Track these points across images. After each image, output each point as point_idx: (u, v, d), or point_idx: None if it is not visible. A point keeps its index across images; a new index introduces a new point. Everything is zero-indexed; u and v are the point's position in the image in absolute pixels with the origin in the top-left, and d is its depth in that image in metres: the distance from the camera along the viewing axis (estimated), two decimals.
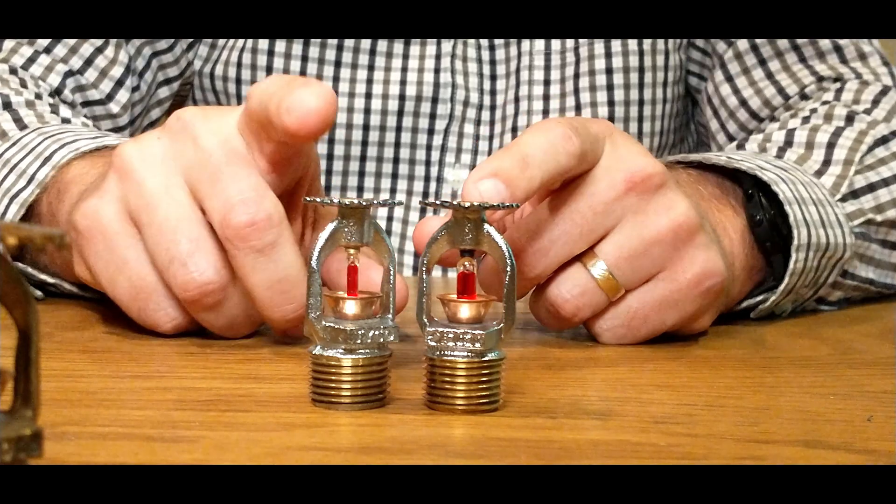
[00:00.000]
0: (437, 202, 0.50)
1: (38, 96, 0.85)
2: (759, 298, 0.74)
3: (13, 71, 0.87)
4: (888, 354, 0.65)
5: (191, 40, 0.98)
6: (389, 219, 0.98)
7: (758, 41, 0.96)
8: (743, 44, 0.97)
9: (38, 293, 0.73)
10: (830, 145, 0.83)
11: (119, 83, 0.92)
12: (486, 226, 0.49)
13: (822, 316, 0.79)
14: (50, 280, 0.72)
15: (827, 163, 0.82)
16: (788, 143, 0.83)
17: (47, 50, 0.89)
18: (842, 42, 0.95)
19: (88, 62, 0.90)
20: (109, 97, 0.92)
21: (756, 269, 0.74)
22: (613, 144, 0.63)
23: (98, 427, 0.46)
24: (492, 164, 0.58)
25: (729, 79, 0.98)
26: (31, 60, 0.89)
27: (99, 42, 0.91)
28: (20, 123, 0.80)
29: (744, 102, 0.97)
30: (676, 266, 0.63)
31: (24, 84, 0.86)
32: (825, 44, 0.95)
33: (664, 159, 0.79)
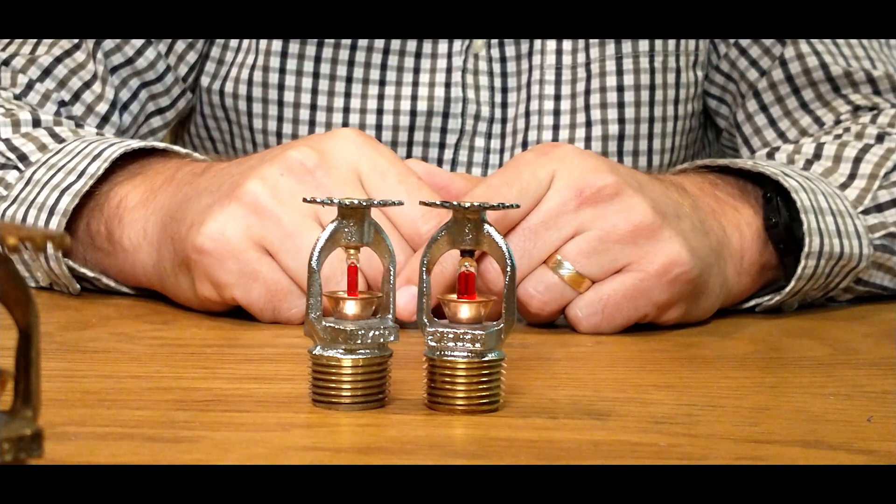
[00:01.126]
0: (437, 202, 0.50)
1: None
2: (766, 297, 0.77)
3: (17, 97, 0.88)
4: (888, 354, 0.65)
5: (188, 69, 0.98)
6: None
7: (792, 72, 0.96)
8: (777, 74, 0.97)
9: (77, 286, 0.75)
10: (857, 160, 0.84)
11: (105, 119, 0.92)
12: (486, 226, 0.49)
13: (822, 316, 0.79)
14: (89, 273, 0.75)
15: (852, 176, 0.83)
16: (817, 155, 0.85)
17: (40, 80, 0.89)
18: (875, 74, 0.95)
19: (76, 96, 0.90)
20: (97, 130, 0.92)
21: (769, 267, 0.77)
22: (566, 165, 0.68)
23: (98, 427, 0.46)
24: (405, 272, 0.67)
25: (763, 108, 0.98)
26: (28, 88, 0.89)
27: (87, 77, 0.90)
28: (57, 138, 0.82)
29: (782, 135, 0.97)
30: (642, 259, 0.68)
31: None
32: (859, 76, 0.95)
33: (682, 167, 0.81)
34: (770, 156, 0.87)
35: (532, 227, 0.67)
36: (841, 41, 0.96)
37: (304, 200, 0.53)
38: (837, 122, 0.94)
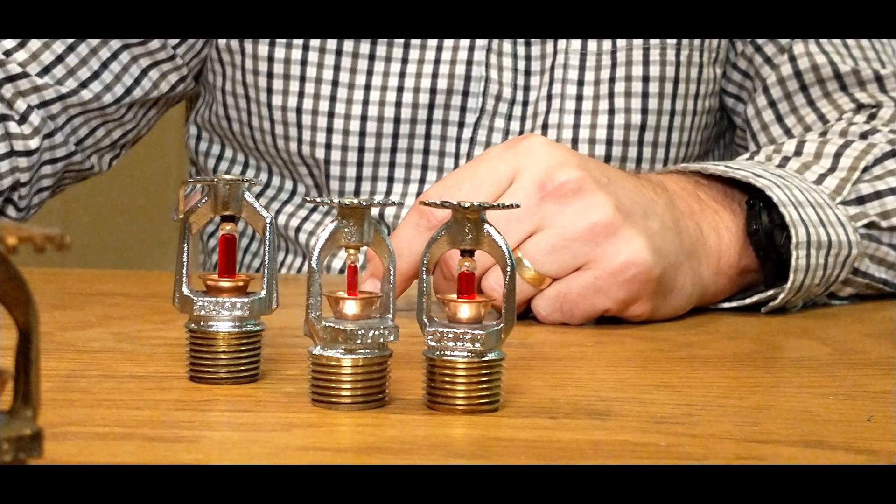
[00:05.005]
0: (437, 202, 0.50)
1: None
2: (770, 294, 0.76)
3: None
4: (888, 354, 0.65)
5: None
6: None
7: (801, 68, 0.96)
8: (787, 69, 0.97)
9: None
10: (837, 155, 0.84)
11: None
12: (486, 226, 0.49)
13: (822, 316, 0.79)
14: None
15: (832, 169, 0.83)
16: (797, 153, 0.85)
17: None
18: (883, 72, 0.95)
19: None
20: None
21: (749, 270, 0.78)
22: (531, 159, 0.69)
23: (98, 427, 0.46)
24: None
25: (772, 104, 0.98)
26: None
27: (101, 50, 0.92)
28: None
29: (787, 131, 0.97)
30: (600, 258, 0.69)
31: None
32: (867, 73, 0.95)
33: (667, 168, 0.81)
34: (751, 158, 0.88)
35: (497, 221, 0.67)
36: (852, 42, 0.96)
37: (305, 201, 0.53)
38: (839, 119, 0.95)
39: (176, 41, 0.96)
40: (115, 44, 0.94)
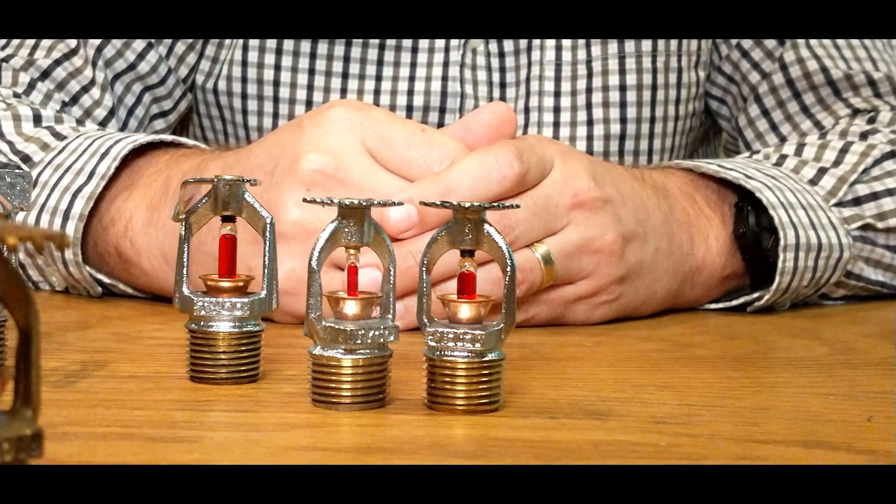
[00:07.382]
0: (437, 203, 0.50)
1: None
2: (755, 296, 0.77)
3: (18, 96, 0.87)
4: (888, 354, 0.65)
5: (188, 70, 0.97)
6: None
7: (793, 76, 0.96)
8: (778, 77, 0.97)
9: (98, 289, 0.76)
10: (840, 154, 0.84)
11: (102, 125, 0.90)
12: (486, 226, 0.49)
13: (822, 316, 0.79)
14: (106, 280, 0.75)
15: (824, 171, 0.83)
16: (797, 153, 0.85)
17: (40, 79, 0.88)
18: (876, 76, 0.95)
19: (74, 99, 0.90)
20: None
21: (735, 276, 0.78)
22: (564, 162, 0.70)
23: (98, 427, 0.46)
24: (413, 189, 0.66)
25: (765, 113, 0.98)
26: (30, 87, 0.88)
27: (85, 81, 0.90)
28: (58, 136, 0.81)
29: (783, 139, 0.97)
30: (597, 274, 0.70)
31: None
32: (860, 78, 0.95)
33: (668, 164, 0.81)
34: (750, 156, 0.87)
35: (541, 205, 0.68)
36: (842, 42, 0.96)
37: (305, 201, 0.53)
38: (836, 124, 0.94)
39: (166, 70, 0.96)
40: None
